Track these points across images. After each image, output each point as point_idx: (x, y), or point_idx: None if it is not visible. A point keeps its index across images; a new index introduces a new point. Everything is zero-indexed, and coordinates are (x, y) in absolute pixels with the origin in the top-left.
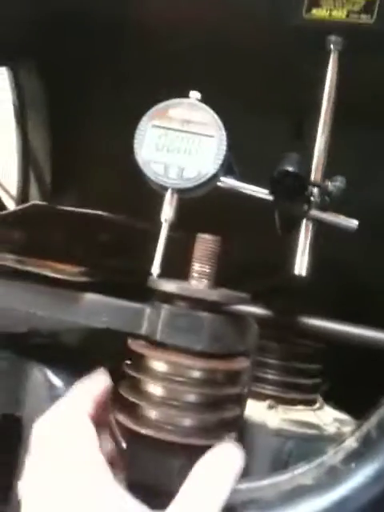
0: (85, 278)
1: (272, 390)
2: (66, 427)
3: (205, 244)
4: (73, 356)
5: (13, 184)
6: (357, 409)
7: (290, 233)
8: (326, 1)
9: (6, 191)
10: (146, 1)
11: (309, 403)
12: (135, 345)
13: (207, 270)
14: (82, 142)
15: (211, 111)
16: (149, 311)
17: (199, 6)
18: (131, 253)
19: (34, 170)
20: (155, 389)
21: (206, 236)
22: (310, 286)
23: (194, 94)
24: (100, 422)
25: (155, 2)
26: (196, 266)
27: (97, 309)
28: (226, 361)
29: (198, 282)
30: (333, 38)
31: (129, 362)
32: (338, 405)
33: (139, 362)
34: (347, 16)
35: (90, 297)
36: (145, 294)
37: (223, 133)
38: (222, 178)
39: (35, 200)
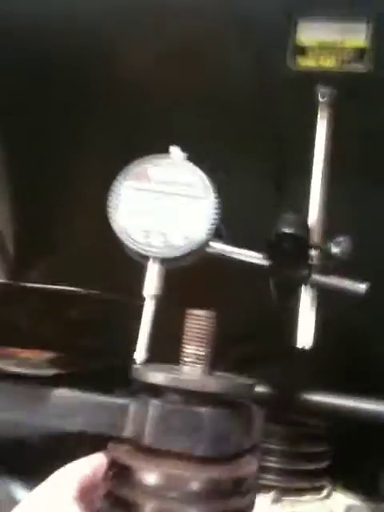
0: (53, 370)
1: (275, 480)
2: (52, 506)
3: (197, 322)
4: (42, 464)
5: None
6: (362, 483)
7: (287, 301)
8: (312, 51)
9: None
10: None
11: (317, 490)
12: (117, 452)
13: (202, 353)
14: (50, 208)
15: (198, 170)
16: (133, 408)
17: (182, 63)
18: (109, 332)
19: None
20: (145, 507)
21: (199, 312)
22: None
23: (176, 151)
24: (90, 501)
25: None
26: (188, 348)
27: (69, 408)
28: (232, 465)
29: (192, 367)
30: (321, 88)
31: (110, 473)
32: (341, 479)
33: (123, 473)
34: (337, 64)
35: (60, 394)
36: (128, 384)
37: (213, 194)
38: (211, 243)
39: None
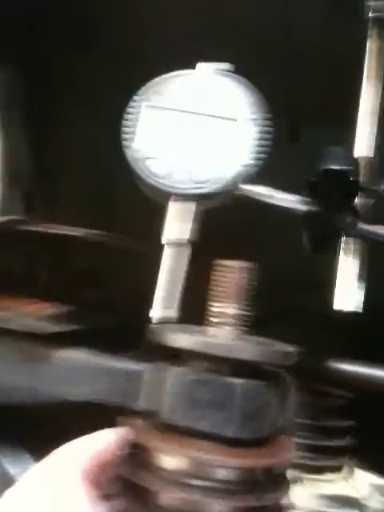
0: (56, 326)
1: (296, 456)
2: (57, 486)
3: (227, 274)
4: (42, 437)
5: None
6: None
7: (324, 250)
8: None
9: None
10: None
11: (338, 469)
12: (130, 428)
13: (233, 311)
14: (53, 146)
15: (238, 85)
16: (149, 376)
17: None
18: (120, 284)
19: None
20: (162, 496)
21: (229, 262)
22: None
23: (205, 66)
24: (99, 482)
25: None
26: (216, 306)
27: (74, 373)
28: (267, 449)
29: (221, 329)
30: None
31: (122, 453)
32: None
33: (137, 454)
34: None
35: (63, 355)
36: (142, 346)
37: (252, 116)
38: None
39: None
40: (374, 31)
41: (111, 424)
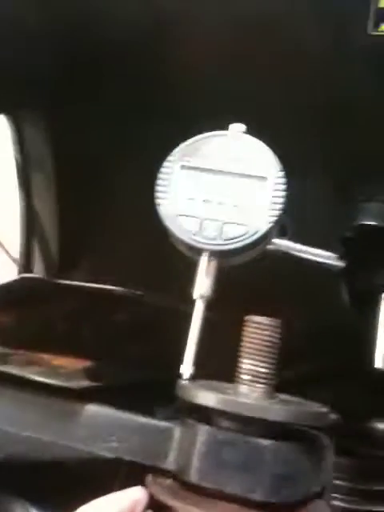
0: (88, 382)
1: None
2: None
3: (258, 331)
4: (68, 493)
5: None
6: None
7: (364, 311)
8: None
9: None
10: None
11: None
12: (157, 487)
13: (263, 369)
14: (96, 205)
15: (264, 145)
16: (179, 434)
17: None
18: (154, 340)
19: (39, 237)
20: None
21: (261, 319)
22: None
23: (237, 127)
24: None
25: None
26: (247, 363)
27: (103, 429)
28: None
29: (251, 387)
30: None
31: None
32: None
33: None
34: None
35: (92, 411)
36: (169, 400)
37: (281, 174)
38: (275, 240)
39: (39, 273)
40: None
41: (140, 483)
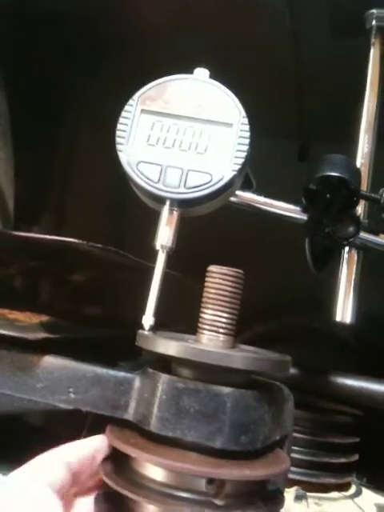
0: (46, 333)
1: (299, 473)
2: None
3: (220, 280)
4: (25, 441)
5: None
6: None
7: (325, 265)
8: None
9: None
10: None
11: (344, 488)
12: (116, 439)
13: (225, 320)
14: (54, 159)
15: (228, 91)
16: (139, 384)
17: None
18: (113, 295)
19: None
20: (147, 507)
21: (223, 269)
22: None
23: (202, 71)
24: (83, 488)
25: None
26: (208, 314)
27: (60, 381)
28: (259, 462)
29: (212, 337)
30: (374, 11)
31: (107, 464)
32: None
33: (123, 463)
34: None
35: (48, 362)
36: (132, 356)
37: (245, 121)
38: (238, 192)
39: None
40: (376, 40)
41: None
